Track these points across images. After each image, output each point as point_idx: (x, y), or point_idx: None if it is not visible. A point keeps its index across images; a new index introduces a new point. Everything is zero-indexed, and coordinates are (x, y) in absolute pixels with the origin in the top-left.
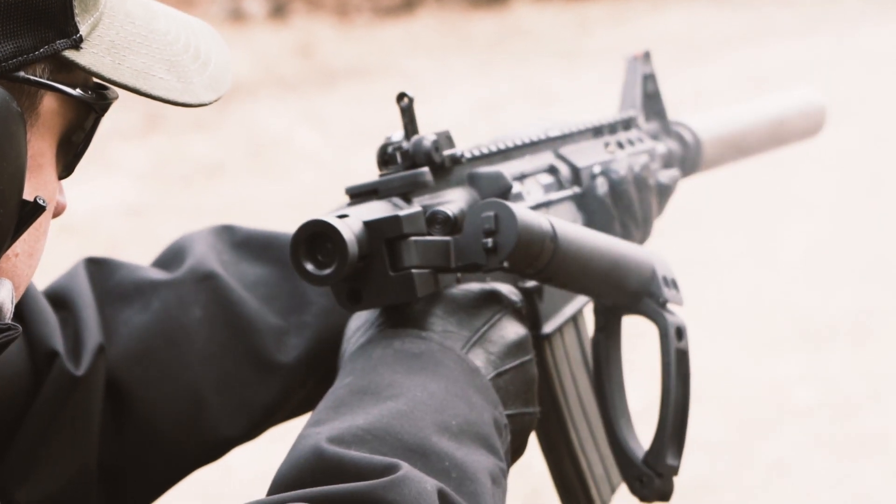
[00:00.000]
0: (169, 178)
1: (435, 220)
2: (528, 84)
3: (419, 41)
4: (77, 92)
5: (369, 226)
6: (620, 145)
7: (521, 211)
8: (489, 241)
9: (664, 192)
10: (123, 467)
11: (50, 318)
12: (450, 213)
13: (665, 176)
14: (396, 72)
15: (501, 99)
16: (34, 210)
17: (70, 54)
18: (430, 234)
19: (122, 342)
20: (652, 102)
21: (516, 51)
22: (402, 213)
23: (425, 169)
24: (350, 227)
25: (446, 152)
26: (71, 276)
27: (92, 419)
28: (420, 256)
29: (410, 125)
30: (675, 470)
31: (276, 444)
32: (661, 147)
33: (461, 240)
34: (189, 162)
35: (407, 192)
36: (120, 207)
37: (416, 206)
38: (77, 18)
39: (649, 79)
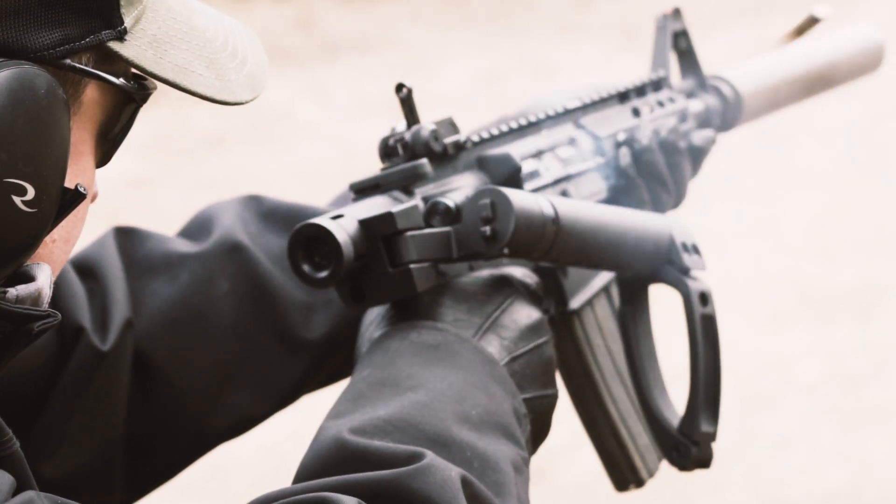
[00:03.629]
0: (171, 150)
1: (435, 211)
2: (529, 57)
3: (420, 13)
4: (121, 81)
5: (364, 224)
6: (650, 108)
7: (518, 196)
8: (487, 228)
9: (697, 153)
10: (149, 438)
11: (77, 290)
12: (450, 203)
13: (698, 137)
14: (397, 44)
15: (502, 72)
16: (75, 197)
17: (114, 45)
18: (431, 226)
19: (150, 314)
20: (686, 59)
21: (517, 23)
22: (395, 209)
23: (424, 160)
24: (344, 227)
25: (448, 139)
26: (100, 246)
27: (118, 394)
28: (418, 251)
29: (410, 115)
30: (711, 436)
31: (279, 416)
32: (697, 105)
33: (461, 229)
34: (191, 134)
35: (407, 184)
36: (122, 179)
37: (414, 200)
38: (122, 10)
39: (681, 35)
